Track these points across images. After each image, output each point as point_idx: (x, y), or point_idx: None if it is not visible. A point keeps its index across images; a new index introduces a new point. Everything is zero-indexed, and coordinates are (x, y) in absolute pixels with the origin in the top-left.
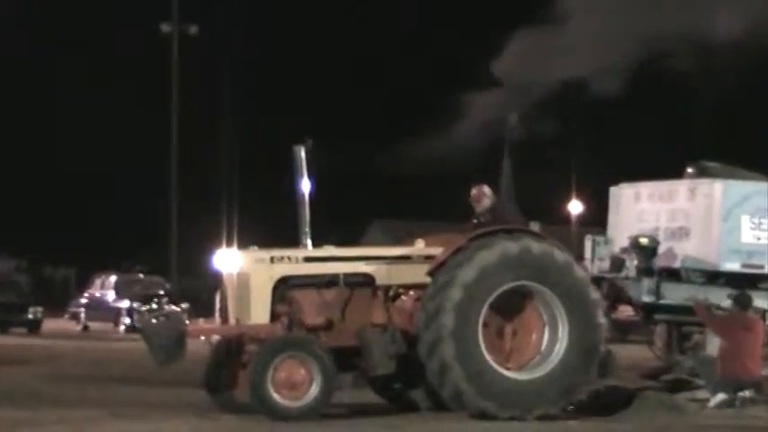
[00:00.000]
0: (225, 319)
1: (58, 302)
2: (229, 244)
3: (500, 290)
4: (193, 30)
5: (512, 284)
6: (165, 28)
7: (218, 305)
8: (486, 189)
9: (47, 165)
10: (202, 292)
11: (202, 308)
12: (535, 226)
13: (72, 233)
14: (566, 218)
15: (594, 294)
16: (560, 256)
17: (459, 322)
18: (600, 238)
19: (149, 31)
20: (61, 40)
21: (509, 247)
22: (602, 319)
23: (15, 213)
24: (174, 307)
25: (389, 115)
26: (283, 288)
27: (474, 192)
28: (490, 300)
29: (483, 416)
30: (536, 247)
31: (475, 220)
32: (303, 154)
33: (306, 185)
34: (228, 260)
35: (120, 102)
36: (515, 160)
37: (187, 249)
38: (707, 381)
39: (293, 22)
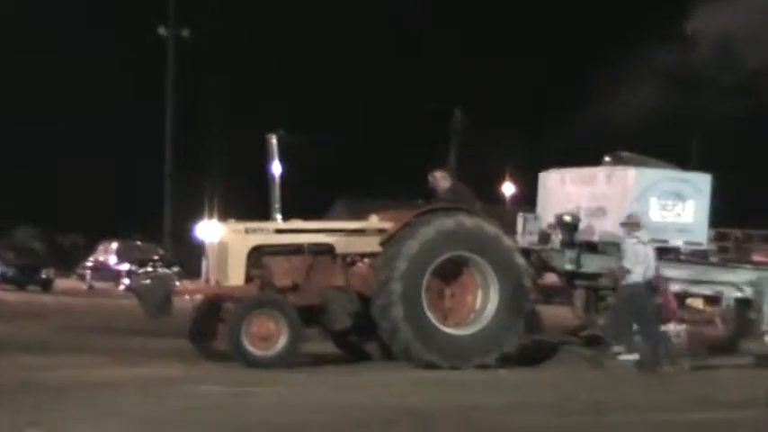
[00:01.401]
0: (208, 281)
1: (67, 265)
2: (211, 217)
3: (440, 259)
4: (186, 32)
5: (449, 254)
6: (161, 31)
7: (204, 269)
8: (440, 173)
9: (60, 149)
10: (192, 257)
11: (192, 271)
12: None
13: (80, 205)
14: (501, 198)
15: (520, 261)
16: (490, 229)
17: (406, 288)
18: (530, 216)
19: (147, 33)
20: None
21: (446, 222)
22: (527, 282)
23: (31, 187)
24: (166, 270)
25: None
26: (257, 255)
27: (430, 178)
28: (431, 268)
29: (428, 366)
30: (469, 221)
31: (420, 200)
32: (275, 141)
33: (277, 168)
34: (210, 231)
35: (121, 91)
36: (460, 148)
37: (181, 220)
38: (617, 337)
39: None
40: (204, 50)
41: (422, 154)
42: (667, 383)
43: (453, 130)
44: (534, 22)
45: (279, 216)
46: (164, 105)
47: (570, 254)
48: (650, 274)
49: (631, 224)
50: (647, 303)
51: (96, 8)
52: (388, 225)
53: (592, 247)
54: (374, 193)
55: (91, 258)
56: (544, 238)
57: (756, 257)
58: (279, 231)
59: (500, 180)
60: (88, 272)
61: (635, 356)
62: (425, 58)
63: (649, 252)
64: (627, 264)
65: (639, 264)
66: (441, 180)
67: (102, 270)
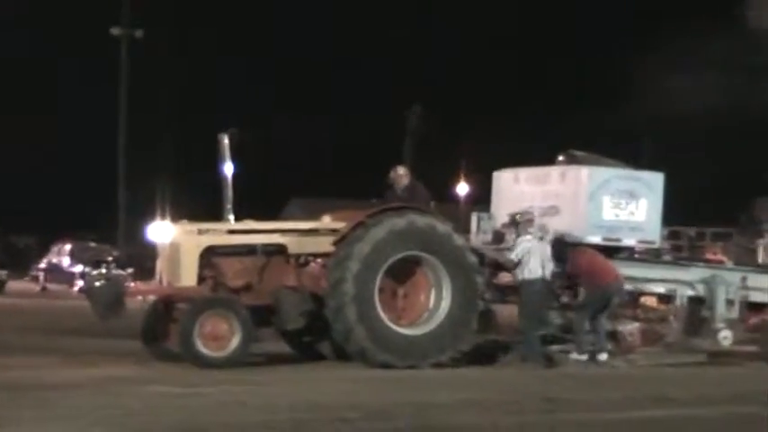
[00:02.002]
0: (160, 281)
1: (20, 266)
2: (163, 217)
3: (392, 259)
4: (139, 33)
5: (401, 254)
6: (114, 31)
7: (157, 270)
8: (402, 170)
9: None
10: (146, 258)
11: (146, 272)
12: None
13: (34, 207)
14: (456, 197)
15: (472, 259)
16: (441, 227)
17: (359, 289)
18: (484, 215)
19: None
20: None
21: (397, 222)
22: (479, 280)
23: None
24: (120, 271)
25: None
26: (209, 256)
27: (392, 174)
28: (384, 268)
29: (383, 366)
30: (420, 221)
31: (374, 199)
32: (227, 141)
33: (229, 168)
34: (162, 231)
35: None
36: (416, 143)
37: (135, 221)
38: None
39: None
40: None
41: (377, 152)
42: (620, 381)
43: (411, 125)
44: (500, 19)
45: (231, 216)
46: (117, 105)
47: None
48: (548, 272)
49: (525, 221)
50: (538, 301)
51: (48, 7)
52: (340, 225)
53: None
54: (328, 192)
55: (44, 260)
56: (498, 237)
57: (709, 256)
58: (231, 232)
59: (455, 179)
60: (41, 273)
61: (585, 356)
62: (386, 56)
63: (546, 250)
64: (514, 257)
65: (533, 260)
66: (402, 177)
67: (55, 271)
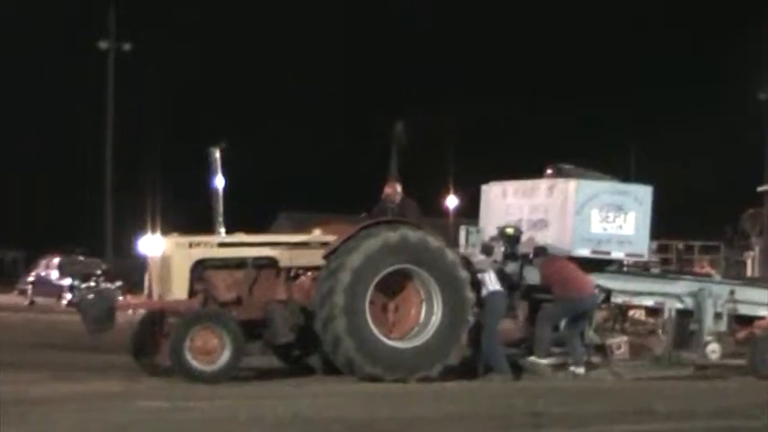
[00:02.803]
0: (150, 295)
1: (8, 281)
2: (154, 231)
3: (383, 272)
4: (127, 46)
5: (393, 267)
6: (102, 45)
7: (146, 283)
8: (398, 186)
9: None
10: (135, 271)
11: (135, 285)
12: None
13: (22, 221)
14: (445, 211)
15: (463, 274)
16: (434, 242)
17: (349, 301)
18: (473, 228)
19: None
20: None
21: (390, 236)
22: (470, 295)
23: None
24: (109, 284)
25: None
26: (200, 269)
27: (389, 189)
28: (375, 281)
29: (371, 379)
30: (413, 235)
31: (364, 213)
32: (217, 155)
33: (220, 182)
34: (153, 244)
35: (60, 105)
36: (401, 161)
37: (123, 234)
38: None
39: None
40: (145, 65)
41: (365, 167)
42: (606, 395)
43: (394, 142)
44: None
45: (222, 230)
46: (104, 118)
47: (513, 266)
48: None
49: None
50: (500, 315)
51: (36, 21)
52: (331, 238)
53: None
54: (317, 206)
55: (32, 273)
56: (487, 250)
57: (697, 269)
58: (222, 245)
59: (444, 193)
60: (29, 287)
61: (582, 369)
62: (369, 72)
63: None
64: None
65: (491, 275)
66: (397, 193)
67: (43, 285)
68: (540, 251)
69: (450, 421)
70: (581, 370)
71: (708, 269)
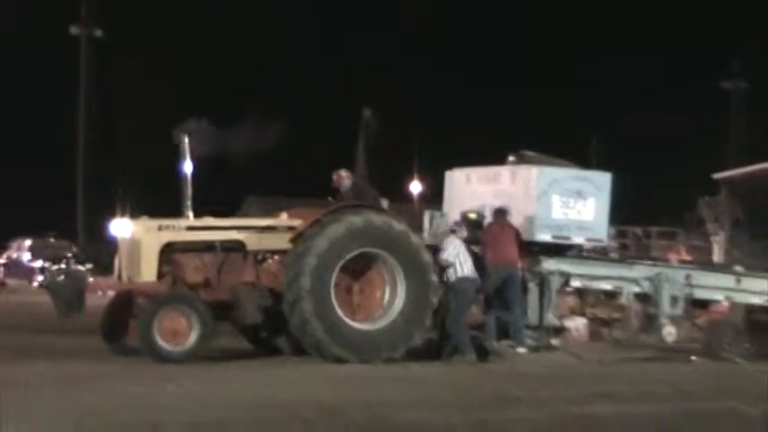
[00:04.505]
0: (120, 277)
1: None
2: (124, 214)
3: (348, 256)
4: (99, 32)
5: (357, 251)
6: (74, 30)
7: (116, 265)
8: (344, 172)
9: None
10: (106, 255)
11: (105, 268)
12: (384, 202)
13: None
14: (409, 196)
15: (427, 257)
16: (398, 226)
17: (315, 284)
18: (437, 213)
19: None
20: None
21: (354, 220)
22: (433, 278)
23: None
24: (79, 267)
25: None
26: (168, 252)
27: (334, 177)
28: (340, 264)
29: (338, 360)
30: (377, 219)
31: (331, 197)
32: (186, 140)
33: (188, 167)
34: (123, 228)
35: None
36: (369, 148)
37: (93, 218)
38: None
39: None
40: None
41: (333, 153)
42: (567, 378)
43: (362, 130)
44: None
45: (190, 213)
46: (76, 102)
47: (476, 249)
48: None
49: (456, 224)
50: (471, 298)
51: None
52: (297, 222)
53: None
54: (285, 190)
55: (4, 256)
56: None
57: (672, 255)
58: (190, 228)
59: (408, 178)
60: (1, 269)
61: (524, 349)
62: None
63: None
64: (449, 257)
65: (466, 259)
66: (344, 179)
67: (15, 267)
68: (499, 213)
69: (417, 405)
70: (523, 350)
71: (683, 255)
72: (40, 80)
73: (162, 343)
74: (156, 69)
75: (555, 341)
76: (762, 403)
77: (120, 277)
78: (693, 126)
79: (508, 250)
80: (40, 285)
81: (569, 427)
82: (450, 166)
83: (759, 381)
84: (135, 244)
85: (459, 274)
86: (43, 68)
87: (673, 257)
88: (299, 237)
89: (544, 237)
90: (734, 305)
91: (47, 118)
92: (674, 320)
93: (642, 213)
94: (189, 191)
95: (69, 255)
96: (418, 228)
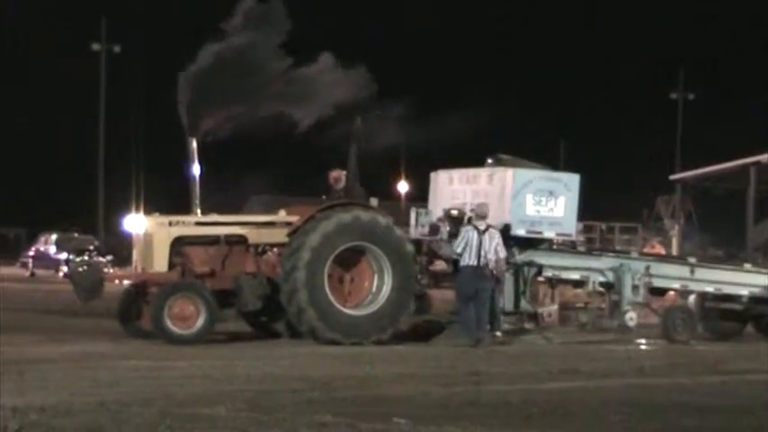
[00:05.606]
0: (135, 267)
1: (11, 255)
2: (138, 210)
3: (339, 249)
4: (117, 48)
5: (348, 244)
6: (94, 46)
7: (134, 257)
8: (337, 173)
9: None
10: (123, 247)
11: (123, 260)
12: (374, 201)
13: (23, 202)
14: (397, 195)
15: (410, 248)
16: (383, 221)
17: (310, 276)
18: (422, 210)
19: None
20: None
21: (343, 217)
22: (416, 268)
23: None
24: (100, 258)
25: None
26: (178, 245)
27: (334, 175)
28: (332, 257)
29: (331, 343)
30: (364, 215)
31: (324, 196)
32: (194, 144)
33: (196, 168)
34: (137, 223)
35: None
36: (359, 152)
37: (112, 214)
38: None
39: None
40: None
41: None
42: (538, 357)
43: (353, 136)
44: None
45: (198, 210)
46: (97, 107)
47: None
48: (491, 259)
49: (477, 214)
50: (472, 285)
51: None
52: (294, 219)
53: None
54: (285, 190)
55: (33, 248)
56: (434, 229)
57: (648, 249)
58: (198, 224)
59: (396, 179)
60: (30, 260)
61: (499, 333)
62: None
63: (485, 239)
64: (458, 248)
65: (470, 249)
66: (339, 179)
67: (42, 259)
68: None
69: (399, 380)
70: (499, 333)
71: (658, 249)
72: (62, 85)
73: (172, 327)
74: (171, 78)
75: (528, 325)
76: (706, 376)
77: (135, 268)
78: (650, 132)
79: None
80: (65, 275)
81: (537, 400)
82: (435, 168)
83: (705, 358)
84: (148, 238)
85: (461, 264)
86: (63, 72)
87: (649, 251)
88: (294, 232)
89: (519, 231)
90: (681, 293)
91: (71, 124)
92: (635, 306)
93: (606, 210)
94: (197, 191)
95: (91, 247)
96: (404, 224)
